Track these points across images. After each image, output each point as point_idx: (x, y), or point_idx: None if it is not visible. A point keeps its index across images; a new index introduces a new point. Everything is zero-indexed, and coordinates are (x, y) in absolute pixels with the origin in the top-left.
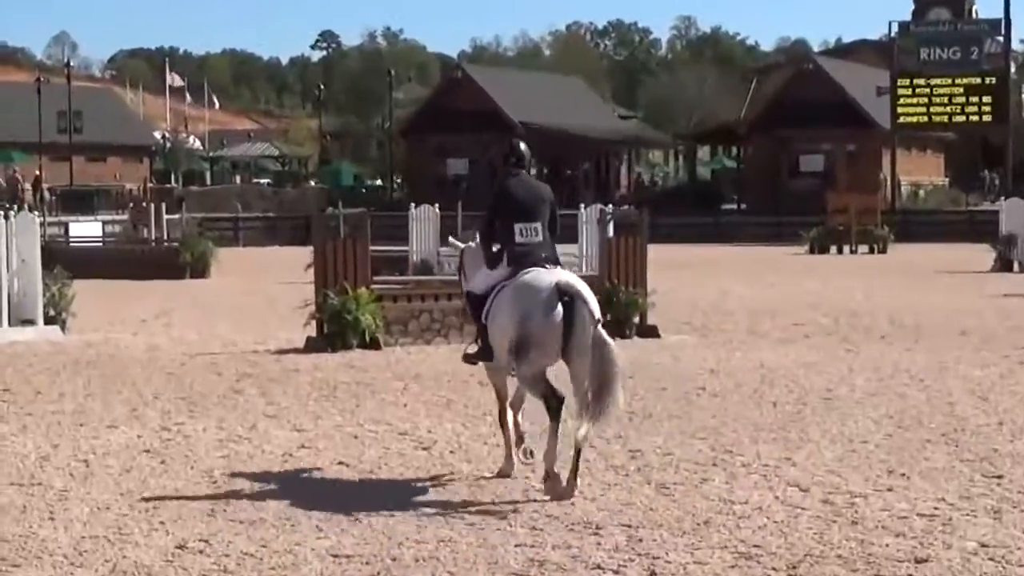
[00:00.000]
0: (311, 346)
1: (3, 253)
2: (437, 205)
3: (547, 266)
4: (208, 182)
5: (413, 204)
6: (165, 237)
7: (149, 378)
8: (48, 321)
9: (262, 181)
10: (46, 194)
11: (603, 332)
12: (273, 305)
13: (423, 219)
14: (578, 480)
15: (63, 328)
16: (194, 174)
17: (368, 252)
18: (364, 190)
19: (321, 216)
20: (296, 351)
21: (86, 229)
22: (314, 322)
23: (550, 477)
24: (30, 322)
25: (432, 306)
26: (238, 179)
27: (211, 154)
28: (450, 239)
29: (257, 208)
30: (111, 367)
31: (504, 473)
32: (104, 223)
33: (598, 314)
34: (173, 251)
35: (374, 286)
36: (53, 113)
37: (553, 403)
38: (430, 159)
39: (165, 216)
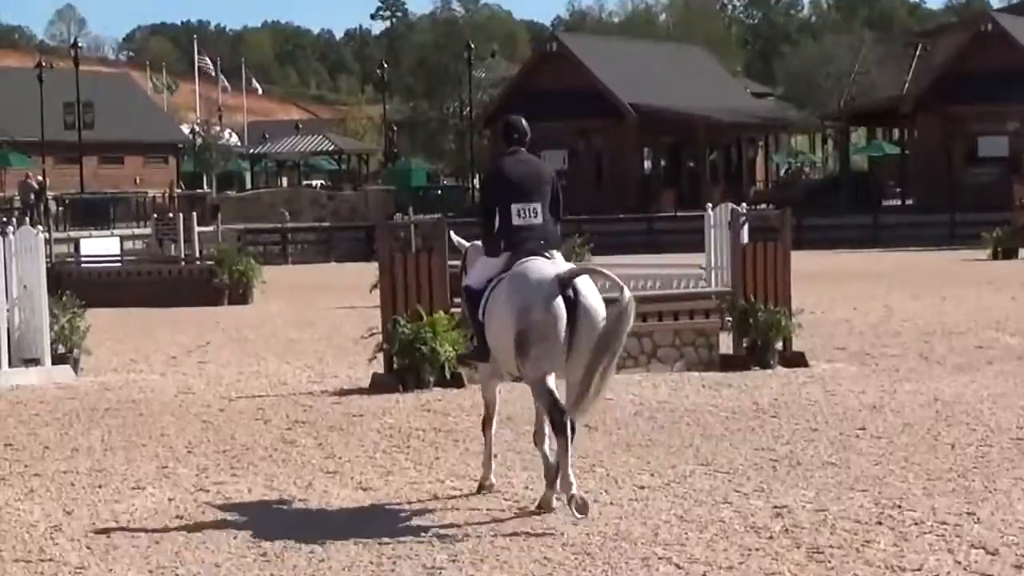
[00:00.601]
0: (378, 385)
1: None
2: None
3: (547, 253)
4: (248, 186)
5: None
6: (197, 254)
7: (181, 428)
8: (57, 360)
9: (314, 183)
10: (51, 204)
11: (609, 321)
12: (331, 336)
13: None
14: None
15: (75, 368)
16: (231, 176)
17: (446, 268)
18: (439, 192)
19: (387, 225)
20: (360, 392)
21: (101, 246)
22: (381, 356)
23: (572, 500)
24: (34, 361)
25: None
26: (285, 181)
27: (251, 151)
28: (451, 235)
29: (309, 217)
30: (134, 415)
31: (483, 484)
32: (122, 239)
33: (604, 312)
34: (207, 272)
35: (455, 310)
36: (58, 105)
37: (557, 416)
38: None
39: (197, 229)
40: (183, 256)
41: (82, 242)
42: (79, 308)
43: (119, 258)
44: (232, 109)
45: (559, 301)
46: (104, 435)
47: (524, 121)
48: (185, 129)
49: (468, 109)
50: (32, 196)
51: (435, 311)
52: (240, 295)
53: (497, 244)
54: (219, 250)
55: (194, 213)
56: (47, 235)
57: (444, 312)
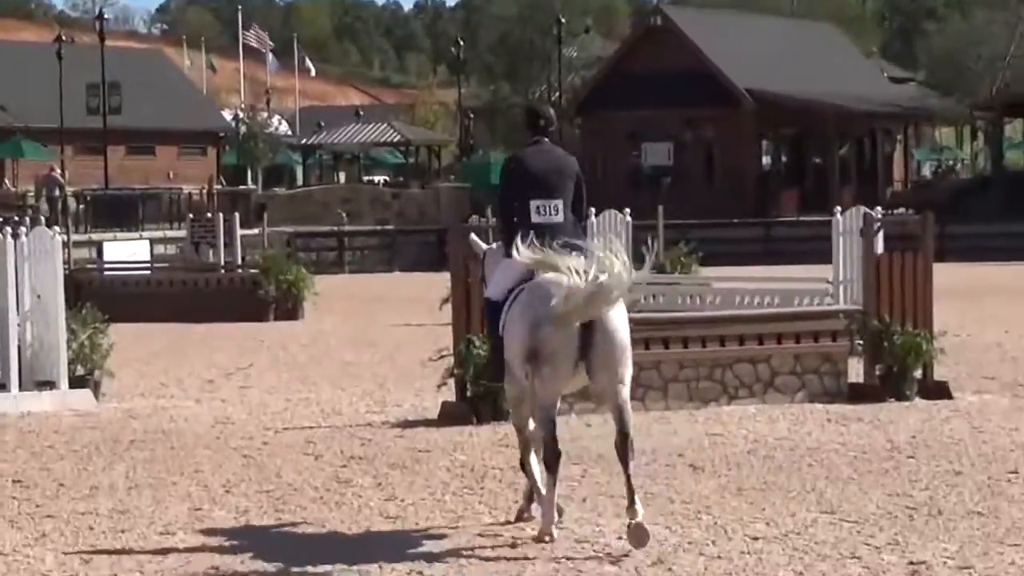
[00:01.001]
0: (448, 416)
1: (9, 288)
2: (628, 211)
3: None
4: (299, 182)
5: (593, 210)
6: (239, 261)
7: (218, 464)
8: (75, 383)
9: (376, 179)
10: (71, 201)
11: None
12: (393, 358)
13: (608, 230)
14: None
15: (96, 393)
16: (280, 170)
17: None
18: None
19: (462, 229)
20: (427, 423)
21: (127, 251)
22: (452, 381)
23: (544, 536)
24: (49, 384)
25: None
26: (342, 177)
27: (304, 141)
28: (472, 238)
29: (370, 218)
30: (164, 448)
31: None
32: (152, 242)
33: (626, 330)
34: (250, 282)
35: None
36: (80, 86)
37: (551, 453)
38: (617, 144)
39: (239, 231)
40: (223, 263)
41: (105, 246)
42: (101, 323)
43: (148, 265)
44: (282, 92)
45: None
46: (128, 471)
47: (550, 108)
48: (227, 115)
49: (557, 94)
50: (57, 192)
51: None
52: (289, 309)
53: (514, 244)
54: (265, 257)
55: (236, 213)
56: (65, 237)
57: None
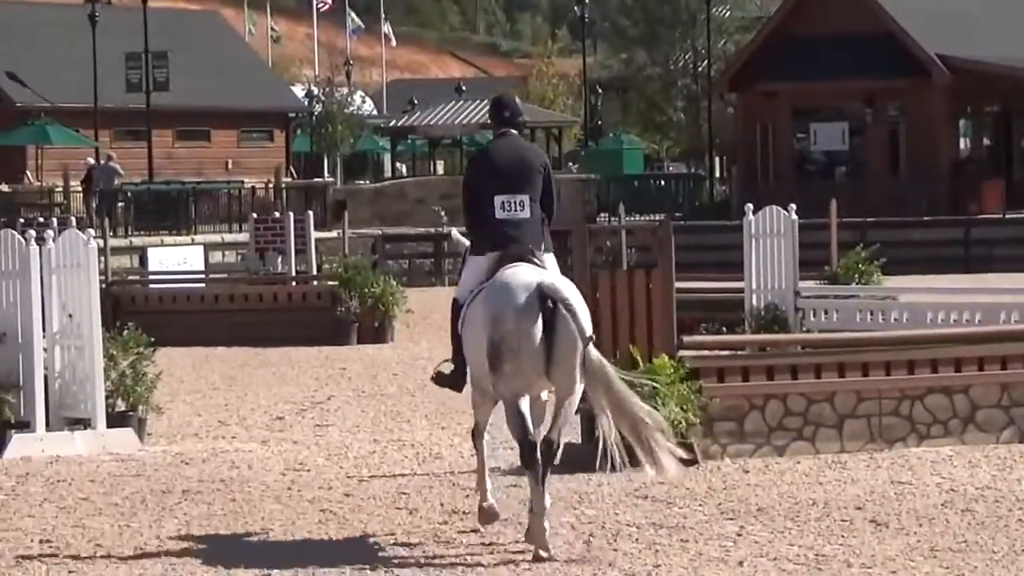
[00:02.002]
0: (572, 460)
1: (34, 305)
2: (794, 207)
3: (535, 259)
4: (388, 173)
5: (750, 206)
6: (314, 271)
7: (291, 521)
8: (114, 421)
9: None
10: (108, 198)
11: (597, 353)
12: None
13: (768, 232)
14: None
15: (140, 433)
16: (364, 159)
17: (672, 293)
18: (662, 182)
19: (587, 231)
20: None
21: (177, 258)
22: (578, 416)
23: (541, 555)
24: (83, 423)
25: (786, 388)
26: (440, 167)
27: (393, 123)
28: (453, 232)
29: None
30: (224, 501)
31: (486, 515)
32: (207, 248)
33: (590, 330)
34: (329, 296)
35: (684, 352)
36: (118, 57)
37: (526, 450)
38: (781, 124)
39: (314, 234)
40: (294, 274)
41: (150, 252)
42: (146, 347)
43: (203, 275)
44: (366, 63)
45: (536, 312)
46: (180, 528)
47: (516, 99)
48: (298, 92)
49: (705, 63)
50: (116, 183)
51: (656, 354)
52: (375, 330)
53: (480, 241)
54: (346, 265)
55: (310, 212)
56: (101, 242)
57: (669, 357)
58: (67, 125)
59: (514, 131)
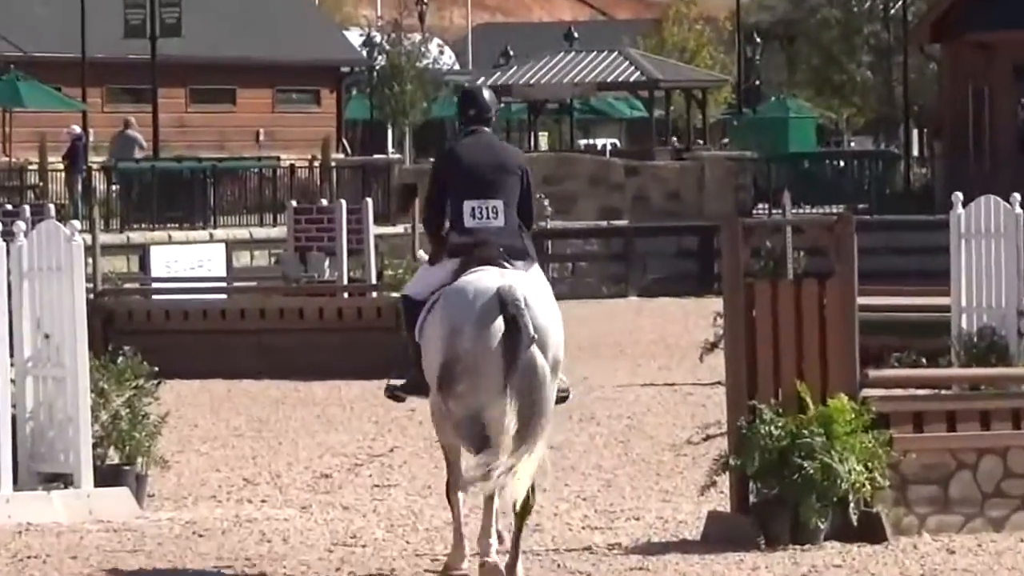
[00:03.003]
0: (719, 535)
1: None
2: (1018, 198)
3: (506, 264)
4: None
5: (959, 195)
6: (374, 279)
7: None
8: (105, 477)
9: (600, 143)
10: (97, 180)
11: (537, 354)
12: (626, 439)
13: (983, 230)
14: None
15: (138, 494)
16: (441, 129)
17: (854, 311)
18: (841, 163)
19: (740, 227)
20: (683, 547)
21: (190, 260)
22: (726, 478)
23: (485, 565)
24: (62, 479)
25: (1007, 440)
26: (543, 140)
27: (481, 81)
28: (420, 254)
29: (589, 208)
30: None
31: (451, 566)
32: (231, 245)
33: (554, 334)
34: (391, 313)
35: (868, 392)
36: None
37: (452, 478)
38: (1000, 84)
39: (373, 229)
40: (345, 282)
41: (154, 252)
42: (148, 379)
43: (224, 283)
44: (445, 1)
45: (497, 323)
46: None
47: (488, 93)
48: (354, 39)
49: (899, 4)
50: (137, 155)
51: (831, 394)
52: None
53: (442, 251)
54: (415, 271)
55: (368, 199)
56: (89, 238)
57: (849, 397)
58: (45, 81)
59: (486, 128)
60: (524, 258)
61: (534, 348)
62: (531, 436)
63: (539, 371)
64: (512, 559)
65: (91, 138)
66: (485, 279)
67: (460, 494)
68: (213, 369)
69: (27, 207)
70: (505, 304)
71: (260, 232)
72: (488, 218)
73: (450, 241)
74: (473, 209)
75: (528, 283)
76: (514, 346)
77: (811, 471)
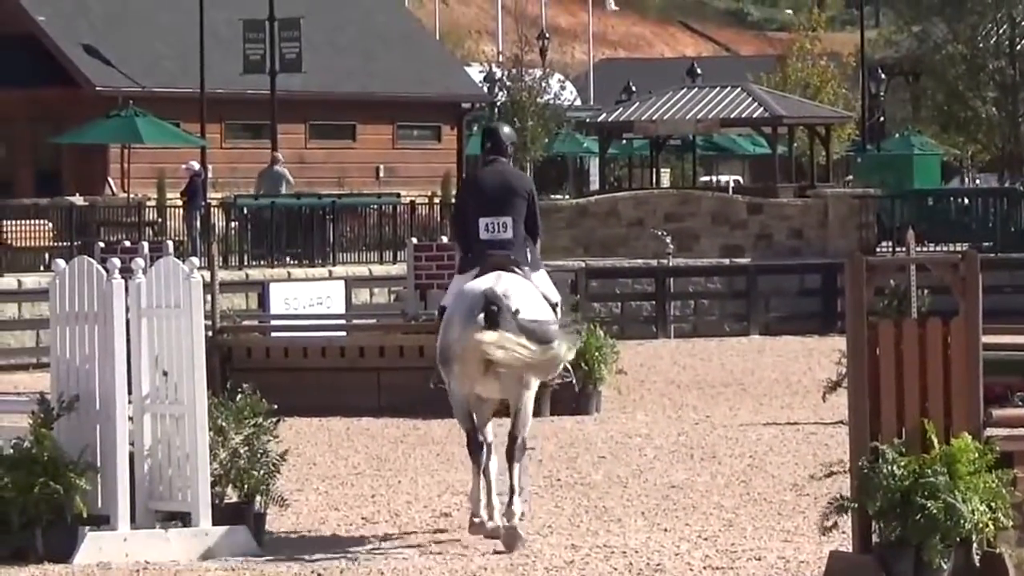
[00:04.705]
0: (844, 572)
1: (118, 359)
2: None
3: (516, 269)
4: (595, 183)
5: None
6: None
7: None
8: (223, 516)
9: (724, 180)
10: (216, 216)
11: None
12: (748, 478)
13: None
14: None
15: (258, 533)
16: (564, 165)
17: (978, 350)
18: (966, 200)
19: (863, 264)
20: None
21: (309, 297)
22: (849, 517)
23: (473, 524)
24: (181, 517)
25: None
26: (665, 177)
27: (603, 118)
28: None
29: (711, 244)
30: None
31: (474, 514)
32: (350, 283)
33: (534, 329)
34: None
35: (992, 431)
36: (232, 26)
37: (473, 446)
38: None
39: None
40: None
41: (273, 289)
42: (267, 417)
43: (344, 320)
44: (566, 36)
45: (480, 317)
46: None
47: (507, 129)
48: (475, 74)
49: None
50: (284, 190)
51: (955, 433)
52: (575, 396)
53: (465, 260)
54: None
55: None
56: (208, 275)
57: (973, 436)
58: (163, 117)
59: (504, 159)
60: (528, 264)
61: (532, 337)
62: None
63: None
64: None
65: (210, 174)
66: (481, 282)
67: (483, 459)
68: (332, 407)
69: (145, 244)
70: (489, 301)
71: (379, 269)
72: (498, 232)
73: (473, 249)
74: (487, 224)
75: (519, 285)
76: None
77: (934, 511)
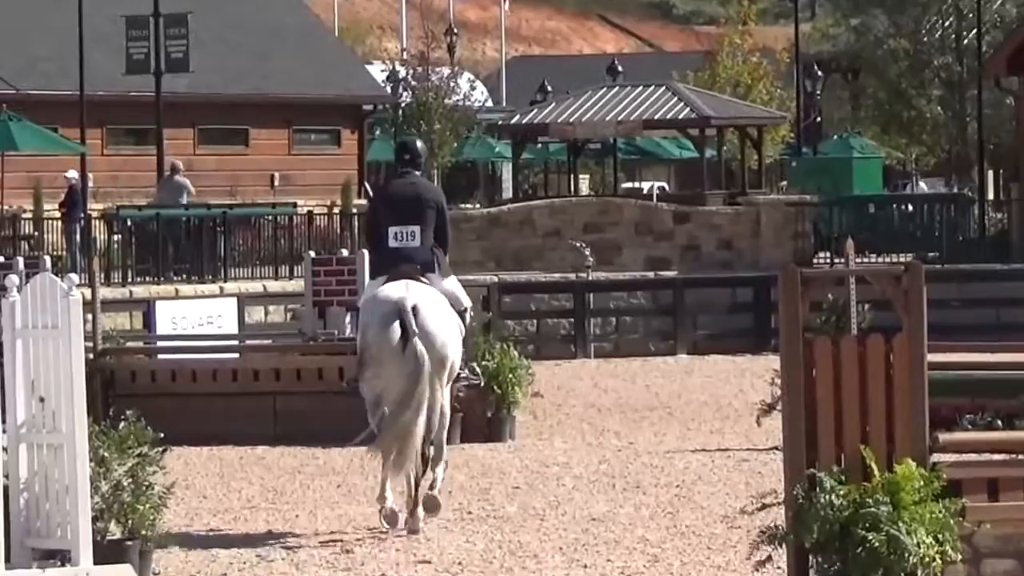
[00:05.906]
0: None
1: None
2: None
3: (422, 278)
4: (508, 191)
5: None
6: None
7: None
8: (105, 554)
9: (646, 187)
10: (97, 229)
11: (419, 345)
12: (675, 509)
13: None
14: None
15: (141, 571)
16: (474, 172)
17: (923, 369)
18: (909, 207)
19: (797, 277)
20: None
21: (199, 316)
22: (784, 550)
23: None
24: (59, 557)
25: None
26: (584, 183)
27: (516, 119)
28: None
29: (634, 257)
30: None
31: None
32: (242, 300)
33: (441, 335)
34: None
35: (939, 457)
36: (113, 23)
37: (373, 435)
38: None
39: None
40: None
41: (159, 307)
42: (153, 446)
43: (237, 341)
44: (476, 31)
45: (395, 325)
46: None
47: (420, 143)
48: (377, 73)
49: (974, 33)
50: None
51: (898, 459)
52: (487, 422)
53: (376, 266)
54: None
55: None
56: (88, 292)
57: (918, 463)
58: (40, 122)
59: (417, 171)
60: (436, 271)
61: (417, 341)
62: (413, 403)
63: (419, 358)
64: (414, 504)
65: (90, 183)
66: (391, 290)
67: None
68: (224, 435)
69: (21, 259)
70: (401, 311)
71: (275, 285)
72: (406, 240)
73: (381, 256)
74: (395, 233)
75: (427, 296)
76: (404, 341)
77: (876, 544)
